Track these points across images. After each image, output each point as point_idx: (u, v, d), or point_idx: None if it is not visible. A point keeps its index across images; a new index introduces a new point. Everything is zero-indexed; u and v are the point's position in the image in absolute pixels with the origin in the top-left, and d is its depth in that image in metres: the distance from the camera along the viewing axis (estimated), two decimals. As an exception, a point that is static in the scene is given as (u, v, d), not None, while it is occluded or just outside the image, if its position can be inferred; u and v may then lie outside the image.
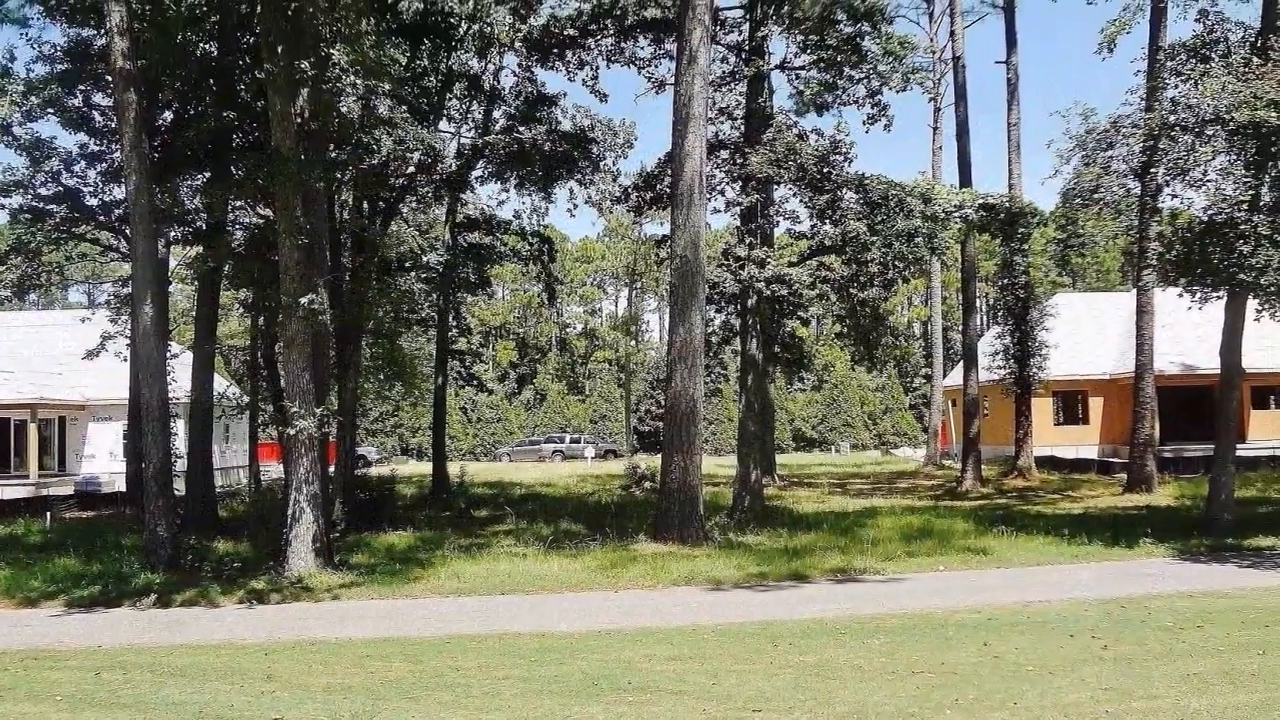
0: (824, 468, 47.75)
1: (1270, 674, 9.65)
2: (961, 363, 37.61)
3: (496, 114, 32.95)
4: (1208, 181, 19.88)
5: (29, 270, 28.15)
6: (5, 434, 37.54)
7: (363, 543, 20.32)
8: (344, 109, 20.15)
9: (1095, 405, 41.13)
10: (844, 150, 25.43)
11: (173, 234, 25.33)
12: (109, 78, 20.09)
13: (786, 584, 16.26)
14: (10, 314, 46.81)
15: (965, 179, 34.44)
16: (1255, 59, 19.17)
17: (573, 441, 61.89)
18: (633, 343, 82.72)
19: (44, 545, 20.49)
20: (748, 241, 25.32)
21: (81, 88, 24.74)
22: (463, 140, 31.84)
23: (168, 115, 24.01)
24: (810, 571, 16.98)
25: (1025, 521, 22.02)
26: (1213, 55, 20.58)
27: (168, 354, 19.91)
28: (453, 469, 35.64)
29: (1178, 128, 19.60)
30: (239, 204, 24.31)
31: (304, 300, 16.91)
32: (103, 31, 20.59)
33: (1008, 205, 26.11)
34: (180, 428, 28.37)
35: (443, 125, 30.36)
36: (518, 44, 29.38)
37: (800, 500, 29.45)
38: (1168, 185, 21.13)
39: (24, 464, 36.00)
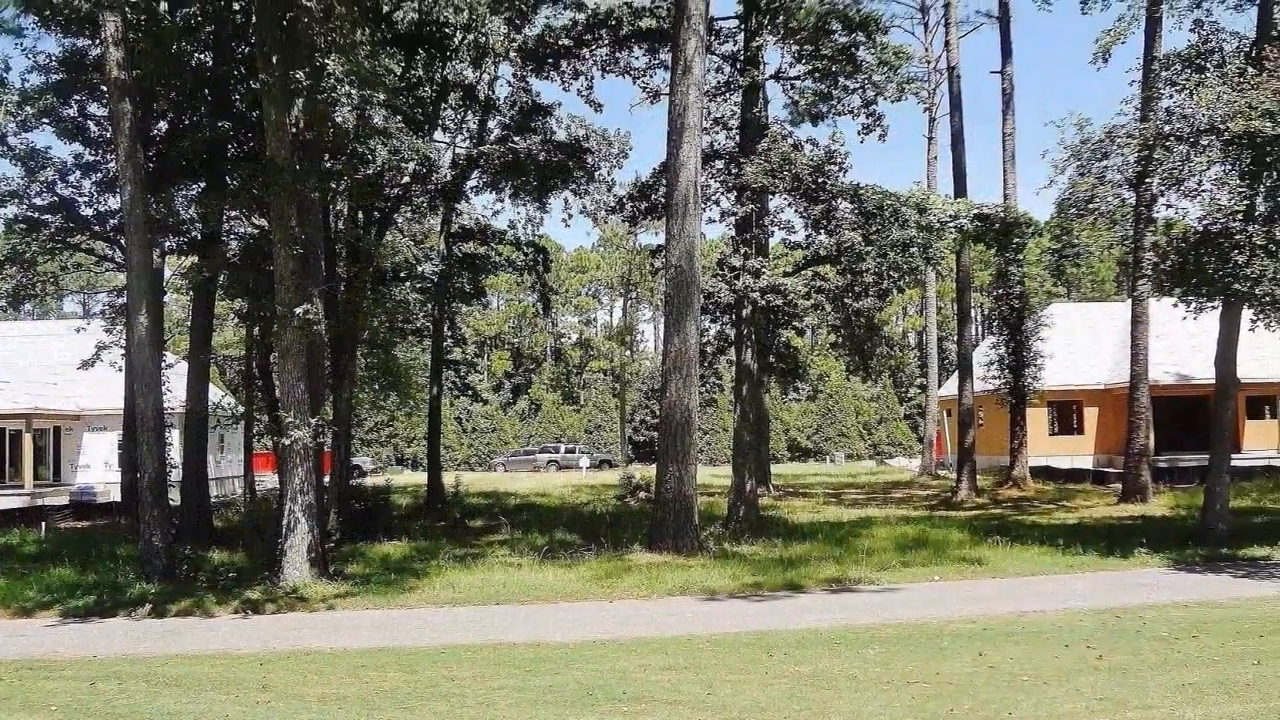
0: (819, 478, 47.74)
1: (1265, 684, 9.65)
2: (956, 373, 37.62)
3: (491, 124, 33.00)
4: (1203, 191, 19.94)
5: (24, 280, 28.06)
6: (0, 444, 37.42)
7: (358, 553, 20.31)
8: (339, 119, 20.16)
9: (1090, 415, 41.16)
10: (839, 160, 25.45)
11: (168, 244, 25.26)
12: (104, 88, 20.10)
13: (781, 594, 16.26)
14: (5, 324, 46.64)
15: (960, 189, 34.53)
16: (1250, 69, 19.22)
17: (568, 451, 61.76)
18: (627, 353, 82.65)
19: (39, 555, 20.45)
20: (743, 251, 25.33)
21: (76, 98, 24.69)
22: (458, 150, 31.86)
23: (163, 125, 23.98)
24: (805, 581, 16.97)
25: (1020, 531, 22.03)
26: (1208, 65, 20.67)
27: (163, 364, 19.94)
28: (448, 479, 35.61)
29: (1173, 138, 19.64)
30: (234, 214, 24.32)
31: (299, 310, 16.93)
32: (98, 41, 20.58)
33: (1003, 215, 26.12)
34: (175, 438, 28.29)
35: (438, 135, 30.38)
36: (512, 54, 29.43)
37: (795, 510, 29.43)
38: (1163, 195, 21.19)
39: (19, 474, 35.83)
